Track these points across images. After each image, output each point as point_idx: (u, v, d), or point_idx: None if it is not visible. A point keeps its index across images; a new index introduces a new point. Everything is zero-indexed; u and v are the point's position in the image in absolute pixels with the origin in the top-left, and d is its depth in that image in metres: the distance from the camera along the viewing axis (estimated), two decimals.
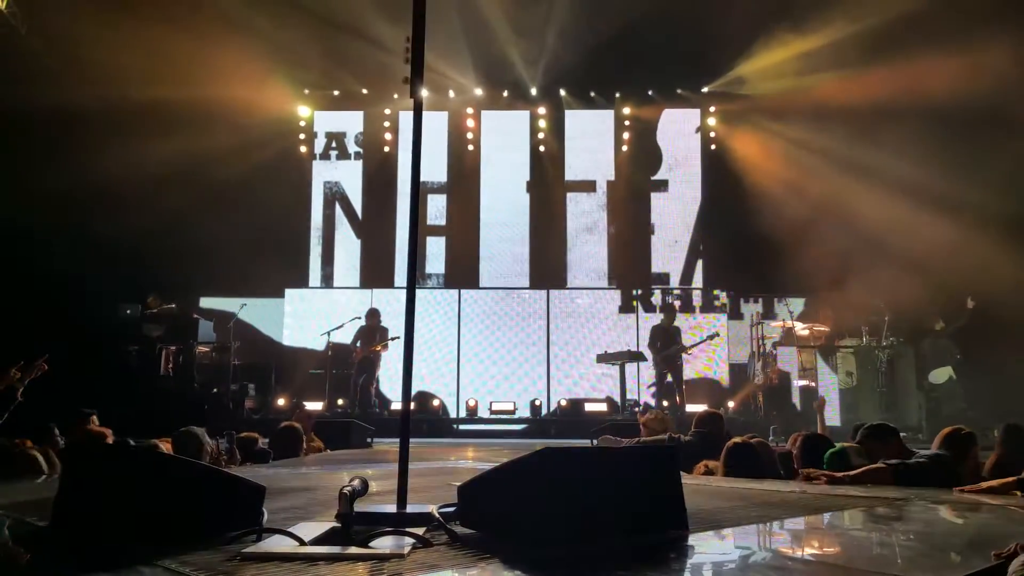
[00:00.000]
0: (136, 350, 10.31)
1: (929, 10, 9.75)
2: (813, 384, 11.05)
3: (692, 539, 2.26)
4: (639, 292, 13.24)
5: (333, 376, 11.20)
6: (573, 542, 2.06)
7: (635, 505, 2.29)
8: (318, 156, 13.84)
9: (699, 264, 13.44)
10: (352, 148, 13.85)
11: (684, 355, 11.15)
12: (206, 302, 12.47)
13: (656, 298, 13.19)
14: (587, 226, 13.74)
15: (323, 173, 13.81)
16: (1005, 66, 9.49)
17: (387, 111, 13.64)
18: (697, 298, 13.26)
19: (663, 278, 13.45)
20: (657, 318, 11.88)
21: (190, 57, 10.54)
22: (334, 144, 13.87)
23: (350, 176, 13.80)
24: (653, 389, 11.41)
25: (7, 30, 10.40)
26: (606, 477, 2.29)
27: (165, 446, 4.69)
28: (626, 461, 2.49)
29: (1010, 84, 9.62)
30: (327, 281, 13.53)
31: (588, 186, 13.80)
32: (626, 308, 13.14)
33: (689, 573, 2.00)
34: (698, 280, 13.39)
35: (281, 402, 10.84)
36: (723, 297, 13.21)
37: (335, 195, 13.76)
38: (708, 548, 2.22)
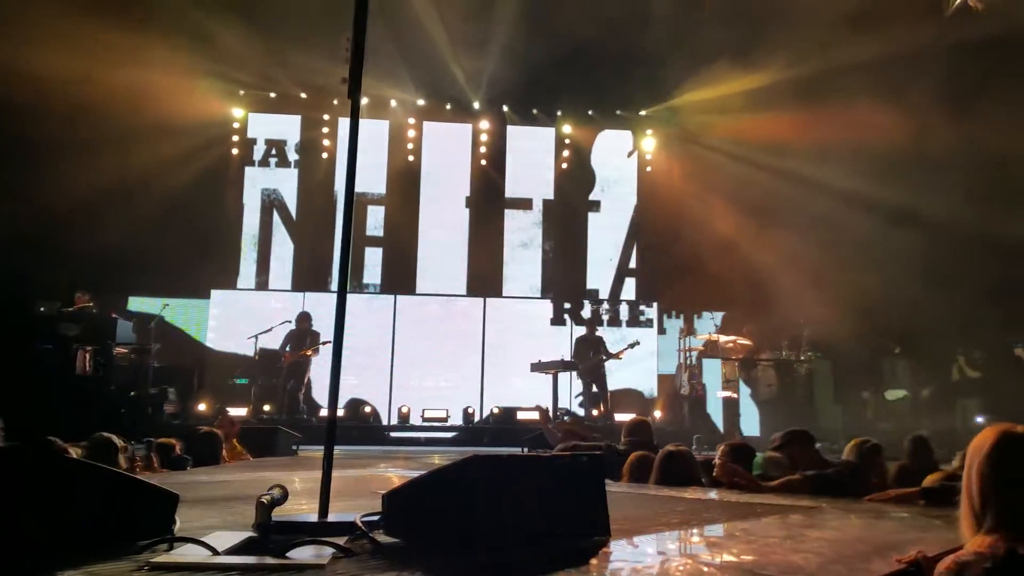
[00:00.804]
0: (49, 349, 9.74)
1: (868, 61, 10.29)
2: (735, 396, 11.44)
3: (613, 544, 2.30)
4: (570, 306, 13.45)
5: (260, 381, 10.87)
6: (497, 549, 2.06)
7: (560, 512, 2.31)
8: (257, 163, 13.48)
9: (628, 281, 13.82)
10: (292, 156, 13.56)
11: (612, 362, 11.37)
12: (134, 302, 11.98)
13: (586, 311, 13.42)
14: (523, 242, 13.88)
15: (260, 179, 13.45)
16: (936, 117, 10.11)
17: (326, 116, 13.41)
18: (625, 313, 13.55)
19: (594, 294, 13.73)
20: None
21: (118, 47, 10.09)
22: (274, 151, 13.53)
23: (287, 182, 13.49)
24: (581, 399, 11.62)
25: None
26: (532, 484, 2.30)
27: (76, 452, 4.46)
28: (552, 469, 2.51)
29: (937, 133, 10.22)
30: (262, 287, 13.15)
31: (525, 204, 13.94)
32: (558, 320, 13.33)
33: None
34: (627, 296, 13.71)
35: (203, 407, 10.45)
36: (649, 312, 13.54)
37: (272, 201, 13.40)
38: (628, 554, 2.26)
